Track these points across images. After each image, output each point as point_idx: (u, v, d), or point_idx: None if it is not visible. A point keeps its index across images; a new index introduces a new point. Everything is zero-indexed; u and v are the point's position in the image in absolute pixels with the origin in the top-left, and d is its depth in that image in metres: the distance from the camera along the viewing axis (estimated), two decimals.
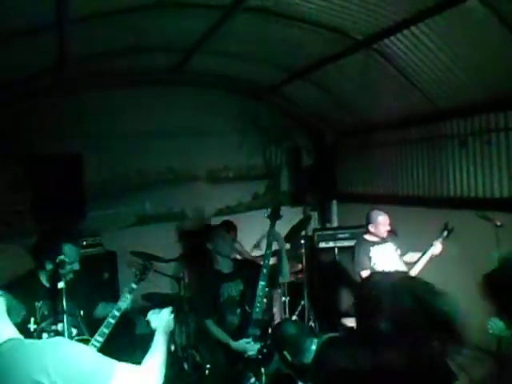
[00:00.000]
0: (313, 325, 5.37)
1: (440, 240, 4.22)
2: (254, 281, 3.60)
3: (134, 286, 2.90)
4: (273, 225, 3.75)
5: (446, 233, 4.24)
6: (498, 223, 3.79)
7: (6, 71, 3.98)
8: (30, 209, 4.83)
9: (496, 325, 2.82)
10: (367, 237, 4.43)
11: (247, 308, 3.61)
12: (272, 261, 3.75)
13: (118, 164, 5.57)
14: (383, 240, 4.39)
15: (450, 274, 4.63)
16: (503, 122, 4.24)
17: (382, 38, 4.13)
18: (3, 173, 4.79)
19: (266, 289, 3.68)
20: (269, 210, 3.85)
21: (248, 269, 3.83)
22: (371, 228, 4.36)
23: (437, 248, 4.22)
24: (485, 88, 4.18)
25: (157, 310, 2.11)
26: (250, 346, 3.45)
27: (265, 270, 3.58)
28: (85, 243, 4.69)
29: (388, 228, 4.35)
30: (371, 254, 4.30)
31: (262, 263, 3.64)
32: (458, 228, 4.26)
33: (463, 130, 4.67)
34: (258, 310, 3.53)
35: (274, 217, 3.79)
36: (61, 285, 2.49)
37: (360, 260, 4.30)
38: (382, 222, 4.33)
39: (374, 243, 4.38)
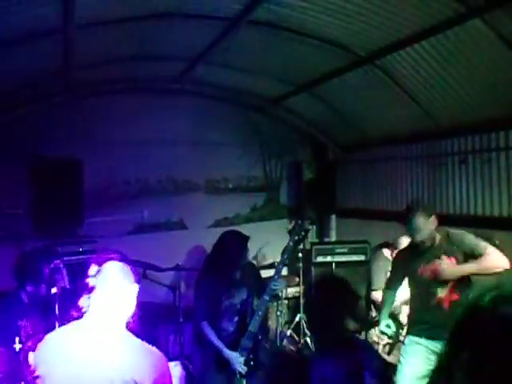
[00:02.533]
0: (308, 340, 5.31)
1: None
2: (257, 292, 3.58)
3: None
4: (292, 241, 3.69)
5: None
6: (497, 242, 3.76)
7: (10, 75, 3.99)
8: (28, 213, 4.81)
9: None
10: (388, 255, 4.32)
11: (245, 318, 3.58)
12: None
13: (117, 171, 5.56)
14: None
15: None
16: (504, 141, 4.24)
17: (384, 55, 4.17)
18: (3, 175, 4.78)
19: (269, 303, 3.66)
20: (292, 223, 3.76)
21: (253, 279, 3.79)
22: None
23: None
24: (486, 107, 4.20)
25: None
26: (238, 360, 3.43)
27: (272, 286, 3.57)
28: (81, 249, 4.65)
29: None
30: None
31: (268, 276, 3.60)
32: None
33: (464, 148, 4.68)
34: (255, 322, 3.51)
35: (295, 233, 3.72)
36: (54, 290, 2.46)
37: (378, 278, 4.18)
38: None
39: None
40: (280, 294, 4.00)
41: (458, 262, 3.11)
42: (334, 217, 6.96)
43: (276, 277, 3.63)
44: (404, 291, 4.27)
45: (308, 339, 5.30)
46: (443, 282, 3.13)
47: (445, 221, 4.82)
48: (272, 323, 5.12)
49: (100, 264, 1.77)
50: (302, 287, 5.44)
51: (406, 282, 4.27)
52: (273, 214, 6.81)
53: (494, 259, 3.04)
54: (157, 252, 5.07)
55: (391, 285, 3.67)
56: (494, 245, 3.74)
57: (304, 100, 5.83)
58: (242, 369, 3.44)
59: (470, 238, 3.22)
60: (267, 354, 3.92)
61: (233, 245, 3.71)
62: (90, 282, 1.74)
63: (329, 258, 5.80)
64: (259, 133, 6.62)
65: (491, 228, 4.09)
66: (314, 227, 7.06)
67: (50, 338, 1.75)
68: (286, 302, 5.24)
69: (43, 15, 3.18)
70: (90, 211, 5.16)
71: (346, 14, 3.62)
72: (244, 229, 5.97)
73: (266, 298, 3.55)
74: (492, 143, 4.36)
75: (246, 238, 3.79)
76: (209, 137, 6.11)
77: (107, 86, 5.33)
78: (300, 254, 5.61)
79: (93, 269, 1.76)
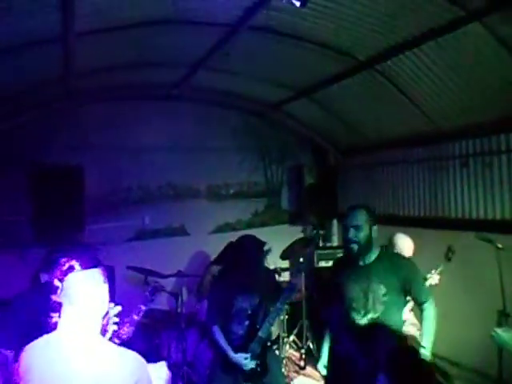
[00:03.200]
0: (311, 345, 5.28)
1: (438, 271, 4.14)
2: (269, 298, 3.58)
3: (142, 307, 2.86)
4: (311, 248, 3.66)
5: (450, 254, 4.14)
6: (500, 245, 3.75)
7: (10, 82, 4.00)
8: (29, 220, 4.81)
9: (500, 336, 2.78)
10: None
11: (256, 323, 3.56)
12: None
13: (118, 177, 5.56)
14: None
15: (451, 296, 4.59)
16: (505, 143, 4.24)
17: (384, 59, 4.18)
18: (4, 182, 4.78)
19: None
20: (308, 229, 3.74)
21: (268, 284, 3.78)
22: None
23: (434, 279, 4.14)
24: (487, 110, 4.20)
25: None
26: (247, 362, 3.42)
27: (287, 293, 3.57)
28: None
29: (411, 254, 4.07)
30: None
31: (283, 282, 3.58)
32: (460, 249, 4.22)
33: (465, 151, 4.68)
34: (266, 328, 3.50)
35: (315, 240, 3.69)
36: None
37: None
38: (407, 247, 4.08)
39: None
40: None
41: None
42: (335, 221, 6.95)
43: (293, 285, 3.64)
44: None
45: (311, 344, 5.27)
46: None
47: (447, 225, 4.85)
48: (275, 328, 5.09)
49: (61, 280, 1.72)
50: (304, 292, 5.42)
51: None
52: (274, 219, 6.80)
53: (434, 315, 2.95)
54: (158, 258, 5.06)
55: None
56: (497, 248, 3.74)
57: (304, 105, 5.84)
58: (248, 370, 3.42)
59: (419, 277, 3.08)
60: (276, 359, 3.89)
61: (249, 249, 3.70)
62: (55, 299, 1.71)
63: (331, 263, 5.78)
64: (260, 138, 6.63)
65: (493, 231, 4.07)
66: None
67: (26, 350, 1.71)
68: (288, 307, 5.22)
69: (43, 24, 3.19)
70: (91, 218, 5.16)
71: (346, 20, 3.63)
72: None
73: (280, 306, 3.54)
74: (493, 146, 4.36)
75: (262, 243, 3.79)
76: (209, 142, 6.12)
77: (107, 92, 5.34)
78: (302, 259, 5.60)
79: (56, 285, 1.72)
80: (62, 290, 1.70)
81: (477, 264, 4.32)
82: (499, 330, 2.82)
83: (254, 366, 3.45)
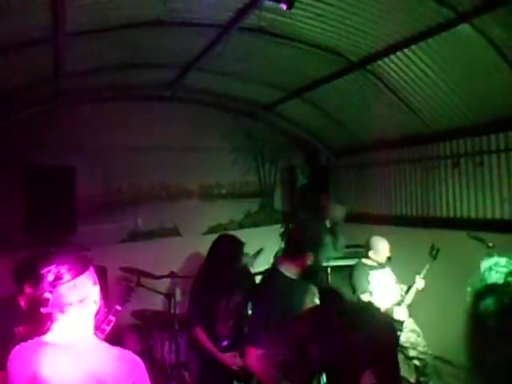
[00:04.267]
0: None
1: (422, 276, 4.25)
2: (251, 294, 3.57)
3: (118, 308, 2.85)
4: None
5: (434, 252, 4.26)
6: (490, 244, 3.78)
7: (1, 82, 3.98)
8: (20, 221, 4.77)
9: None
10: (366, 261, 4.48)
11: (241, 321, 3.56)
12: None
13: (110, 178, 5.53)
14: (381, 265, 4.45)
15: (443, 295, 4.62)
16: (495, 143, 4.28)
17: (376, 60, 4.20)
18: None
19: None
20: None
21: (248, 282, 3.79)
22: (372, 254, 4.43)
23: (419, 284, 4.25)
24: (477, 110, 4.23)
25: None
26: (236, 361, 3.42)
27: None
28: None
29: (388, 254, 4.42)
30: (369, 279, 4.34)
31: None
32: (451, 248, 4.26)
33: (456, 151, 4.72)
34: None
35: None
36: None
37: (360, 284, 4.34)
38: (382, 249, 4.40)
39: (372, 268, 4.42)
40: None
41: None
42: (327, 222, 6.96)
43: None
44: (392, 294, 4.32)
45: None
46: None
47: (439, 224, 4.88)
48: None
49: (51, 292, 1.64)
50: None
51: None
52: (267, 220, 6.81)
53: None
54: (151, 259, 5.04)
55: None
56: (487, 247, 3.78)
57: (296, 105, 5.85)
58: (239, 369, 3.40)
59: None
60: None
61: (227, 248, 3.71)
62: (46, 311, 1.63)
63: (323, 263, 5.80)
64: (252, 138, 6.63)
65: (484, 230, 4.11)
66: None
67: (16, 352, 1.69)
68: None
69: (33, 24, 3.18)
70: (83, 219, 5.13)
71: (337, 20, 3.65)
72: (238, 235, 5.95)
73: None
74: (484, 146, 4.40)
75: (239, 242, 3.80)
76: (201, 143, 6.11)
77: (98, 93, 5.31)
78: None
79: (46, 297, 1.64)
80: (52, 301, 1.62)
81: (467, 263, 4.34)
82: None
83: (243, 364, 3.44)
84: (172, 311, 4.52)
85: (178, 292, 4.95)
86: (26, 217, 4.73)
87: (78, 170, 5.08)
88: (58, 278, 1.63)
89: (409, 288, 4.30)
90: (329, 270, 5.72)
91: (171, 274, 4.74)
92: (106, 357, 1.64)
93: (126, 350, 1.69)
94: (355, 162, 6.39)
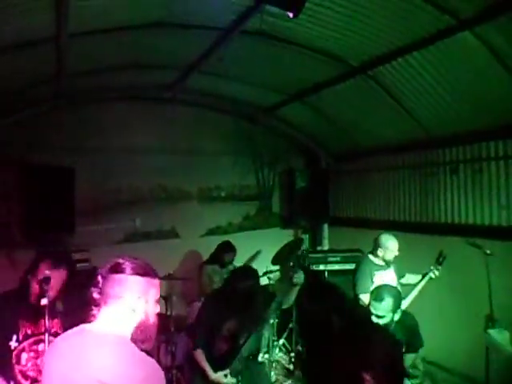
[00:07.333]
0: (300, 348, 5.28)
1: (437, 266, 4.13)
2: (255, 316, 3.59)
3: None
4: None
5: (441, 259, 4.17)
6: (488, 251, 3.79)
7: (2, 81, 3.98)
8: (19, 221, 4.76)
9: (492, 337, 2.83)
10: (373, 259, 4.23)
11: (239, 340, 3.55)
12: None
13: (109, 179, 5.52)
14: (388, 264, 4.21)
15: (440, 301, 4.63)
16: (494, 151, 4.30)
17: (377, 65, 4.22)
18: None
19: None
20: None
21: (253, 306, 3.74)
22: (380, 252, 4.16)
23: (434, 274, 4.13)
24: (476, 117, 4.25)
25: None
26: (227, 380, 3.41)
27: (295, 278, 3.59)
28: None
29: (397, 253, 4.15)
30: (374, 279, 4.10)
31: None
32: (449, 255, 4.27)
33: (455, 157, 4.73)
34: (248, 347, 3.52)
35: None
36: (44, 301, 2.42)
37: (363, 282, 4.10)
38: (392, 247, 4.13)
39: (379, 267, 4.18)
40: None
41: None
42: (326, 225, 6.98)
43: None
44: None
45: (300, 348, 5.27)
46: None
47: (437, 230, 4.89)
48: (265, 332, 5.09)
49: (104, 277, 1.78)
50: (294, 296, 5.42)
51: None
52: (265, 223, 6.82)
53: None
54: (149, 261, 5.03)
55: None
56: (485, 254, 3.78)
57: (296, 109, 5.86)
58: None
59: None
60: (261, 374, 3.88)
61: (237, 280, 3.66)
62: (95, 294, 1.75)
63: (321, 267, 5.81)
64: (252, 141, 6.64)
65: (482, 237, 4.13)
66: (307, 236, 7.10)
67: (56, 342, 1.77)
68: (278, 311, 5.22)
69: (36, 24, 3.18)
70: (81, 219, 5.12)
71: (339, 26, 3.66)
72: (236, 237, 6.03)
73: (267, 335, 3.54)
74: (483, 153, 4.41)
75: (255, 274, 3.75)
76: (201, 145, 6.12)
77: (100, 93, 5.32)
78: (291, 263, 5.61)
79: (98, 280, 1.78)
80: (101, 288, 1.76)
81: (465, 269, 4.36)
82: (492, 331, 2.86)
83: (234, 382, 3.44)
84: (168, 313, 4.51)
85: (174, 294, 4.94)
86: (26, 217, 4.71)
87: (77, 170, 5.08)
88: (118, 268, 1.83)
89: (424, 276, 4.13)
90: (326, 274, 5.76)
91: (168, 276, 4.73)
92: (131, 357, 1.66)
93: (151, 358, 1.72)
94: (354, 167, 6.41)
